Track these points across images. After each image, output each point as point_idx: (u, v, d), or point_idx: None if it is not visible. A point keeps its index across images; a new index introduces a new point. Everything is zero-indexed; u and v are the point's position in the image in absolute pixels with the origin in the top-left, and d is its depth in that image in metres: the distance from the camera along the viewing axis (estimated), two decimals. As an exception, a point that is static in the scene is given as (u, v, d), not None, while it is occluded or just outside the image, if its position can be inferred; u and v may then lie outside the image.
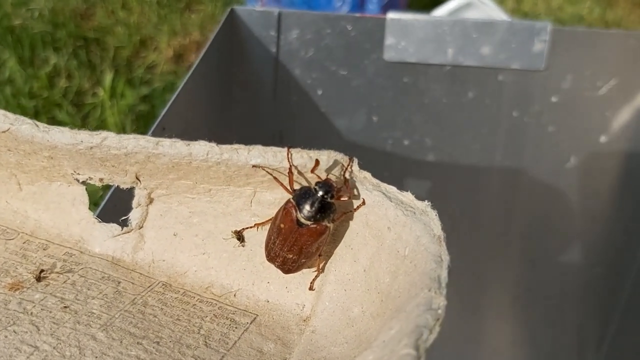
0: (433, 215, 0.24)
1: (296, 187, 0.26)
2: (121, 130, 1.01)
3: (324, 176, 0.26)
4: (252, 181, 0.27)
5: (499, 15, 0.79)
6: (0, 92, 1.04)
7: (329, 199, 0.25)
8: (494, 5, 0.81)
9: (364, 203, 0.26)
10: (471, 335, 0.64)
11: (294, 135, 0.56)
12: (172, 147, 0.26)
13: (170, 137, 0.26)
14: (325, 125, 0.57)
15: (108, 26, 1.22)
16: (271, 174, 0.26)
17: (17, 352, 0.23)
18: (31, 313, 0.25)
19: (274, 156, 0.26)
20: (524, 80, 0.54)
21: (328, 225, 0.26)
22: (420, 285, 0.22)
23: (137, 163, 0.27)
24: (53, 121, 0.97)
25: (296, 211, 0.26)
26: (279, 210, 0.26)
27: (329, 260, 0.27)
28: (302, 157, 0.26)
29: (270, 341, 0.26)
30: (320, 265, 0.27)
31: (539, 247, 0.61)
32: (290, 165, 0.26)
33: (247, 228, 0.28)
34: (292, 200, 0.26)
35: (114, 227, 0.29)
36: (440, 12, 0.82)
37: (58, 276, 0.27)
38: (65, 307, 0.26)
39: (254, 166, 0.26)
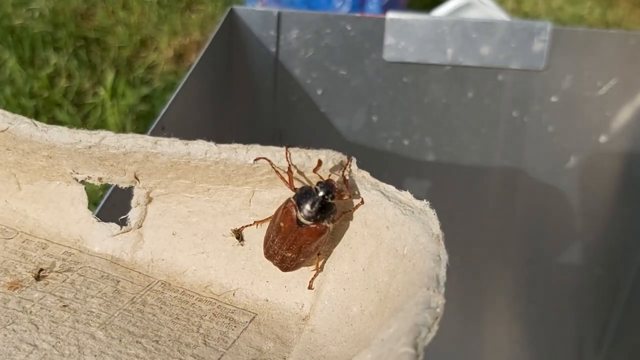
0: (432, 214, 0.24)
1: (296, 185, 0.26)
2: (121, 130, 1.01)
3: (326, 176, 0.26)
4: (250, 180, 0.27)
5: (499, 15, 0.80)
6: (1, 92, 1.04)
7: (329, 200, 0.25)
8: (494, 5, 0.81)
9: (362, 202, 0.26)
10: (471, 335, 0.64)
11: (293, 135, 0.56)
12: (171, 147, 0.26)
13: (169, 136, 0.26)
14: (324, 125, 0.57)
15: (108, 26, 1.22)
16: (274, 169, 0.26)
17: (17, 351, 0.24)
18: (30, 312, 0.25)
19: (273, 155, 0.26)
20: (524, 80, 0.54)
21: (328, 225, 0.26)
22: (418, 284, 0.22)
23: (135, 162, 0.27)
24: (53, 121, 0.97)
25: (296, 211, 0.26)
26: (278, 209, 0.26)
27: (328, 260, 0.27)
28: (301, 157, 0.26)
29: (269, 340, 0.26)
30: (319, 264, 0.27)
31: (539, 247, 0.61)
32: (290, 165, 0.26)
33: (246, 226, 0.28)
34: (292, 199, 0.26)
35: (113, 227, 0.29)
36: (440, 12, 0.82)
37: (57, 275, 0.27)
38: (64, 306, 0.26)
39: (256, 159, 0.26)
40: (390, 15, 0.52)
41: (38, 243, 0.29)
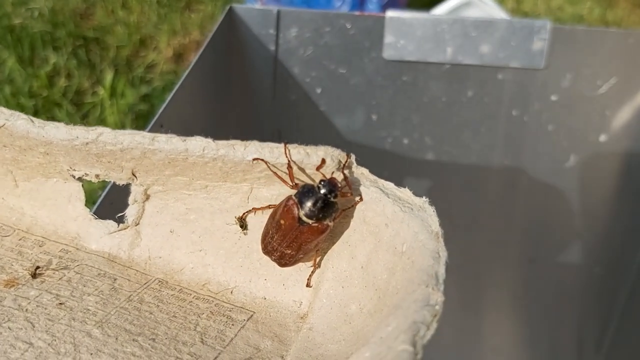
0: (431, 211, 0.24)
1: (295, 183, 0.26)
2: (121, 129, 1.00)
3: (327, 174, 0.26)
4: (249, 177, 0.27)
5: (499, 14, 0.79)
6: (0, 91, 1.04)
7: (332, 198, 0.25)
8: (494, 4, 0.80)
9: (361, 199, 0.26)
10: (471, 335, 0.64)
11: (292, 133, 0.56)
12: (168, 143, 0.26)
13: (167, 133, 0.26)
14: (324, 124, 0.56)
15: (108, 25, 1.22)
16: (270, 169, 0.26)
17: (12, 349, 0.23)
18: (26, 310, 0.25)
19: (271, 152, 0.26)
20: (524, 79, 0.54)
21: (329, 224, 0.25)
22: (417, 281, 0.21)
23: (133, 159, 0.27)
24: (52, 120, 0.96)
25: (298, 209, 0.25)
26: (278, 205, 0.26)
27: (327, 258, 0.27)
28: (299, 153, 0.26)
29: (267, 338, 0.26)
30: (317, 260, 0.27)
31: (539, 247, 0.60)
32: (289, 160, 0.26)
33: (248, 212, 0.28)
34: (294, 197, 0.25)
35: (110, 224, 0.29)
36: (440, 10, 0.82)
37: (54, 273, 0.27)
38: (60, 303, 0.26)
39: (254, 160, 0.26)
40: (390, 13, 0.52)
41: (35, 240, 0.29)
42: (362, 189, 0.26)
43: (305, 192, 0.25)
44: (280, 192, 0.27)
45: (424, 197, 0.25)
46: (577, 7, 1.39)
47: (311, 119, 0.56)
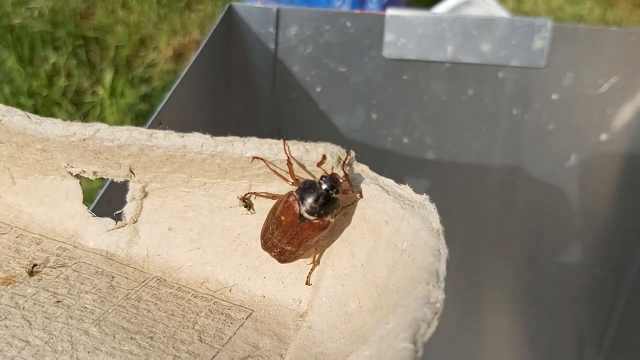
0: (431, 208, 0.24)
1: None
2: (120, 129, 1.00)
3: (328, 172, 0.26)
4: (247, 174, 0.27)
5: (499, 12, 0.79)
6: (0, 90, 1.04)
7: (333, 195, 0.25)
8: (494, 3, 0.80)
9: (361, 196, 0.25)
10: (471, 334, 0.63)
11: (292, 132, 0.56)
12: (166, 139, 0.25)
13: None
14: (324, 123, 0.56)
15: (108, 25, 1.22)
16: (269, 167, 0.26)
17: (9, 347, 0.23)
18: (23, 307, 0.25)
19: (270, 149, 0.25)
20: (524, 78, 0.54)
21: (331, 220, 0.25)
22: (418, 279, 0.21)
23: (130, 155, 0.26)
24: (51, 120, 0.96)
25: (299, 205, 0.25)
26: (279, 201, 0.26)
27: (326, 255, 0.27)
28: (299, 150, 0.26)
29: (266, 337, 0.25)
30: (316, 258, 0.27)
31: (539, 246, 0.60)
32: (289, 157, 0.25)
33: (250, 193, 0.27)
34: (295, 193, 0.25)
35: (108, 222, 0.29)
36: (440, 9, 0.82)
37: (51, 271, 0.27)
38: (57, 301, 0.25)
39: (253, 158, 0.25)
40: (390, 12, 0.52)
41: (32, 238, 0.29)
42: (362, 185, 0.25)
43: (306, 188, 0.25)
44: (279, 189, 0.27)
45: (424, 194, 0.24)
46: (578, 7, 1.39)
47: (311, 117, 0.56)
